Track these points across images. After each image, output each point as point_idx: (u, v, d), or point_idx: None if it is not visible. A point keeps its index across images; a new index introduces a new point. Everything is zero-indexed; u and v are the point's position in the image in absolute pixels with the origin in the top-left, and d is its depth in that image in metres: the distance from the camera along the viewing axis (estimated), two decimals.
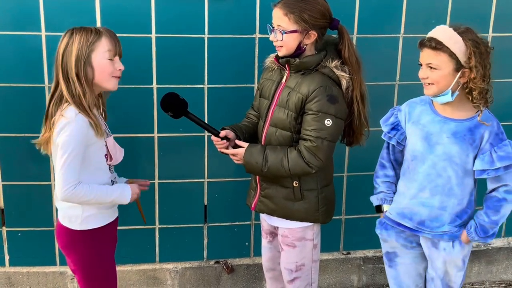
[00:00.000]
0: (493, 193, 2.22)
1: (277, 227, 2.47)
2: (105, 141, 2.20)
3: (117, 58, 2.18)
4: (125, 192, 2.23)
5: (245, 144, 2.31)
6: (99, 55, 2.11)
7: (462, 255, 2.30)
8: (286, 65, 2.29)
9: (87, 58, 2.09)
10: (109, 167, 2.25)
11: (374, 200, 2.46)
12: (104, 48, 2.12)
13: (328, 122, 2.20)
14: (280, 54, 2.27)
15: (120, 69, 2.19)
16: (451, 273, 2.33)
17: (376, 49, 2.98)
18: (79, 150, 2.07)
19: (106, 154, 2.21)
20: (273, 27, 2.23)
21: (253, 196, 2.48)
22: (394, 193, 2.41)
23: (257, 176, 2.42)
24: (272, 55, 2.39)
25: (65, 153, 2.05)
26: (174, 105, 2.29)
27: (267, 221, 2.51)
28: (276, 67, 2.37)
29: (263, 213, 2.47)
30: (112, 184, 2.27)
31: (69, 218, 2.20)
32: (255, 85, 2.89)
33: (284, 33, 2.19)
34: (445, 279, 2.34)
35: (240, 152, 2.30)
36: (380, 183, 2.44)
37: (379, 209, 2.45)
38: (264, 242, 2.62)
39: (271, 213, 2.42)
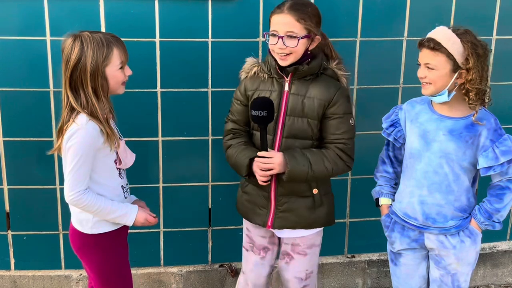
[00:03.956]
0: (497, 182, 2.25)
1: (279, 239, 2.46)
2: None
3: (126, 65, 2.20)
4: (131, 214, 2.22)
5: (274, 153, 2.20)
6: (113, 68, 2.12)
7: (473, 249, 2.31)
8: (281, 72, 2.25)
9: (103, 73, 2.10)
10: (119, 172, 2.25)
11: (373, 193, 2.51)
12: (117, 61, 2.12)
13: (351, 121, 2.27)
14: (287, 62, 2.19)
15: (128, 75, 2.21)
16: (462, 271, 2.33)
17: (380, 52, 2.97)
18: (88, 156, 2.08)
19: (115, 160, 2.22)
20: (281, 35, 2.14)
21: (265, 214, 2.36)
22: (394, 188, 2.46)
23: (272, 192, 2.32)
24: (252, 62, 2.31)
25: (74, 159, 2.06)
26: (264, 113, 2.16)
27: (277, 235, 2.44)
28: (267, 77, 2.28)
29: (283, 228, 2.36)
30: (123, 191, 2.27)
31: (80, 221, 2.21)
32: None
33: (300, 38, 2.14)
34: (456, 277, 2.33)
35: (277, 160, 2.18)
36: (379, 177, 2.50)
37: (378, 203, 2.50)
38: (256, 258, 2.50)
39: (294, 226, 2.34)
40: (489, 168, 2.19)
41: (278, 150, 2.26)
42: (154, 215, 2.32)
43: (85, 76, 2.07)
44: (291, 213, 2.33)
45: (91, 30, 2.16)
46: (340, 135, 2.24)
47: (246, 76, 2.33)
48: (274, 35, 2.16)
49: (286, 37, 2.14)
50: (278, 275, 2.58)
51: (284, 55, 2.17)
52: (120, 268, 2.29)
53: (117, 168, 2.23)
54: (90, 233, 2.21)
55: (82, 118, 2.08)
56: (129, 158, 2.29)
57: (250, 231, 2.49)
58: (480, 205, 2.28)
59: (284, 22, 2.13)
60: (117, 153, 2.21)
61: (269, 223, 2.35)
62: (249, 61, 2.34)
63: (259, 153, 2.21)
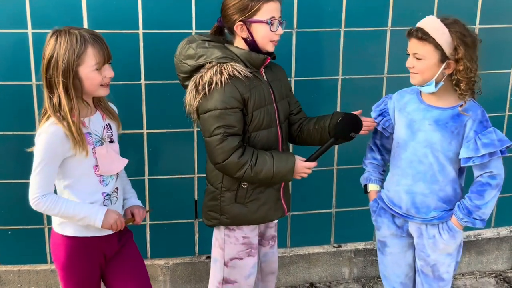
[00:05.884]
0: (478, 178, 2.23)
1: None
2: (94, 151, 2.09)
3: (105, 66, 2.05)
4: (97, 216, 2.06)
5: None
6: (86, 68, 2.00)
7: (453, 243, 2.30)
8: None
9: (75, 72, 1.99)
10: (101, 179, 2.13)
11: (362, 180, 2.53)
12: (91, 62, 2.00)
13: None
14: (273, 48, 2.24)
15: (109, 77, 2.07)
16: (442, 262, 2.33)
17: (364, 42, 2.99)
18: (49, 161, 2.00)
19: (96, 165, 2.11)
20: (280, 21, 2.18)
21: (280, 204, 2.39)
22: (382, 174, 2.49)
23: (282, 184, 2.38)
24: (214, 69, 2.13)
25: (35, 163, 2.00)
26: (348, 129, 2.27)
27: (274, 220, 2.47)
28: (250, 73, 2.17)
29: (289, 208, 2.48)
30: (104, 198, 2.14)
31: (54, 218, 2.16)
32: None
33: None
34: (436, 267, 2.35)
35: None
36: (368, 164, 2.52)
37: (366, 189, 2.51)
38: (254, 260, 2.42)
39: (290, 201, 2.49)
40: (469, 159, 2.17)
41: (281, 136, 2.32)
42: (124, 220, 2.19)
43: (57, 73, 1.97)
44: (288, 190, 2.46)
45: (73, 22, 2.12)
46: (297, 101, 2.48)
47: (227, 82, 2.12)
48: (273, 22, 2.16)
49: (282, 23, 2.20)
50: None
51: (276, 41, 2.22)
52: (80, 280, 2.16)
53: (98, 175, 2.12)
54: (57, 231, 2.13)
55: (47, 122, 2.00)
56: (114, 165, 2.17)
57: (249, 236, 2.36)
58: (460, 201, 2.25)
59: (278, 8, 2.18)
60: (96, 159, 2.09)
61: (286, 210, 2.44)
62: (208, 72, 2.14)
63: (309, 165, 2.25)
